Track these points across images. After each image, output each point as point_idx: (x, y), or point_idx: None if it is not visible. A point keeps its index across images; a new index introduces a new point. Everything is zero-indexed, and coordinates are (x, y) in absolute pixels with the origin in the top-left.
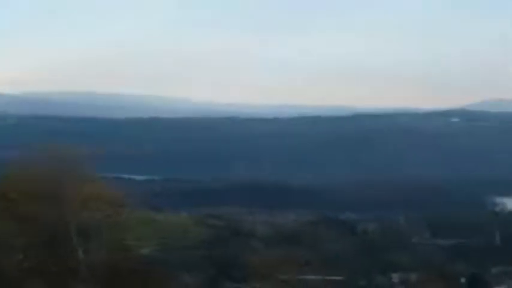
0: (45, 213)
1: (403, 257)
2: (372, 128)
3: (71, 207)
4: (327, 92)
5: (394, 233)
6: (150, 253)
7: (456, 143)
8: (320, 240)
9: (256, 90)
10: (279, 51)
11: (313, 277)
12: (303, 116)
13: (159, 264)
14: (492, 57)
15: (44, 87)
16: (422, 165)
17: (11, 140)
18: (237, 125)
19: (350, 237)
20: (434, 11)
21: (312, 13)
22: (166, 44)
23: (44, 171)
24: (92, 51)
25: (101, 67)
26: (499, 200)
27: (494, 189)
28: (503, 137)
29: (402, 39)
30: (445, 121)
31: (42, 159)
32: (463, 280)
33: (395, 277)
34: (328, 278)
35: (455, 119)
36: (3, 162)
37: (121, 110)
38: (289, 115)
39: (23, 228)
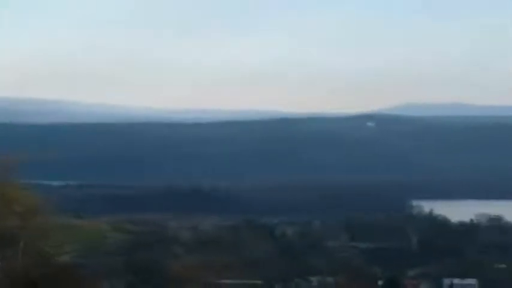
0: None
1: (322, 260)
2: (291, 132)
3: None
4: (247, 97)
5: (313, 237)
6: (70, 259)
7: (372, 147)
8: (240, 244)
9: (173, 94)
10: (197, 55)
11: (233, 281)
12: (223, 121)
13: (78, 271)
14: (406, 61)
15: None
16: (340, 169)
17: None
18: (157, 130)
19: (269, 241)
20: (349, 14)
21: (230, 16)
22: (77, 49)
23: None
24: (9, 56)
25: (16, 72)
26: (415, 203)
27: (411, 193)
28: (418, 141)
29: (321, 44)
30: (361, 125)
31: None
32: (380, 283)
33: (314, 280)
34: (247, 281)
35: (371, 123)
36: None
37: (37, 115)
38: (209, 120)
39: None
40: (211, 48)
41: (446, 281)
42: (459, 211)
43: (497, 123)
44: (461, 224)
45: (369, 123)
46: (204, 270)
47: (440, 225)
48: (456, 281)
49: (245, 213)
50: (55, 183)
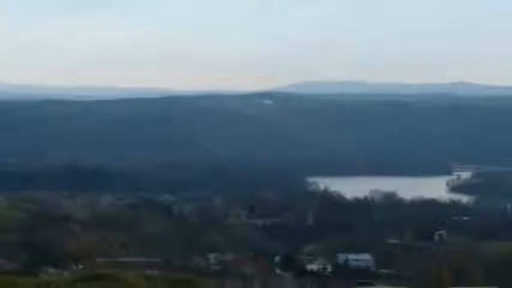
0: None
1: (220, 237)
2: (186, 110)
3: None
4: (142, 75)
5: (211, 214)
6: None
7: (269, 125)
8: (138, 223)
9: (60, 71)
10: (83, 33)
11: (131, 259)
12: (115, 99)
13: None
14: (303, 40)
15: None
16: (236, 147)
17: None
18: (51, 108)
19: (167, 219)
20: None
21: None
22: None
23: None
24: None
25: None
26: (311, 180)
27: (307, 170)
28: (314, 118)
29: (217, 22)
30: (258, 103)
31: None
32: (277, 259)
33: (212, 257)
34: (146, 259)
35: (267, 101)
36: None
37: None
38: (102, 97)
39: None
40: (104, 27)
41: (341, 257)
42: (354, 188)
43: (390, 100)
44: (356, 200)
45: (266, 101)
46: (101, 248)
47: (336, 201)
48: (351, 256)
49: (142, 192)
50: None
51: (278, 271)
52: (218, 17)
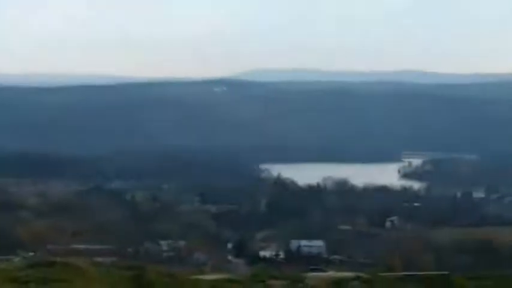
0: None
1: (173, 224)
2: (139, 98)
3: None
4: (92, 62)
5: (164, 201)
6: None
7: (221, 112)
8: (90, 210)
9: (8, 58)
10: (34, 20)
11: (83, 246)
12: (64, 86)
13: None
14: (255, 27)
15: None
16: (189, 134)
17: None
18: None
19: (119, 206)
20: None
21: None
22: None
23: None
24: None
25: None
26: (264, 167)
27: (260, 157)
28: (266, 106)
29: (165, 9)
30: (210, 90)
31: None
32: (229, 245)
33: (164, 244)
34: (98, 246)
35: (220, 88)
36: None
37: None
38: (53, 84)
39: None
40: (56, 13)
41: (294, 243)
42: (306, 174)
43: (342, 88)
44: (309, 187)
45: (217, 89)
46: (53, 235)
47: (288, 188)
48: (304, 242)
49: (93, 178)
50: None
51: (231, 258)
52: (167, 3)
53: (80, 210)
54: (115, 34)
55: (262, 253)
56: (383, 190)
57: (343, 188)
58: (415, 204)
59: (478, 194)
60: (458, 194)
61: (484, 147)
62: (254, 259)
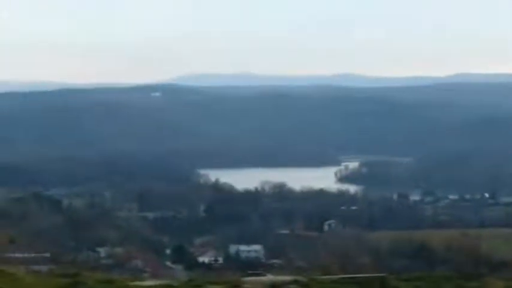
0: None
1: (111, 231)
2: (77, 104)
3: None
4: (31, 67)
5: (102, 207)
6: None
7: (159, 117)
8: (27, 217)
9: None
10: None
11: (19, 254)
12: (7, 92)
13: None
14: (190, 32)
15: None
16: (127, 140)
17: None
18: None
19: (57, 213)
20: None
21: None
22: None
23: None
24: None
25: None
26: (202, 172)
27: (198, 162)
28: (203, 110)
29: (99, 14)
30: (147, 95)
31: None
32: (168, 251)
33: (102, 251)
34: (36, 254)
35: (156, 94)
36: None
37: None
38: None
39: None
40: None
41: (233, 248)
42: (244, 179)
43: (278, 92)
44: (247, 192)
45: (154, 94)
46: None
47: (226, 193)
48: (242, 247)
49: (31, 186)
50: None
51: (169, 264)
52: (100, 8)
53: (16, 217)
54: (54, 38)
55: (200, 258)
56: (320, 194)
57: (281, 192)
58: (352, 207)
59: (414, 197)
60: (395, 197)
61: (419, 150)
62: (193, 264)
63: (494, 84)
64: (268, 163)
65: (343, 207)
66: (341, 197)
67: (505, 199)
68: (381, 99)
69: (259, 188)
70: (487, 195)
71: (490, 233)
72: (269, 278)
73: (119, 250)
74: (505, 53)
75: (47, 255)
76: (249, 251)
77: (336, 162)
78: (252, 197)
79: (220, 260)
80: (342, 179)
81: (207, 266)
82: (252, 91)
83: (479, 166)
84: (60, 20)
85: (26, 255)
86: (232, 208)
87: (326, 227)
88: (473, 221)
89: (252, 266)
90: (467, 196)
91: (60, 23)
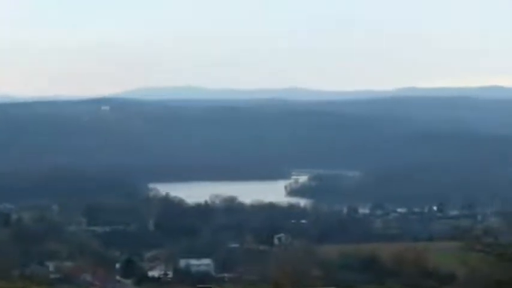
0: None
1: (60, 245)
2: (22, 117)
3: None
4: None
5: (50, 221)
6: None
7: (108, 131)
8: None
9: None
10: None
11: None
12: None
13: None
14: (139, 45)
15: None
16: (75, 154)
17: None
18: None
19: (5, 228)
20: None
21: None
22: None
23: None
24: None
25: None
26: (152, 186)
27: (148, 176)
28: (154, 124)
29: (47, 23)
30: (96, 109)
31: None
32: (118, 266)
33: (51, 265)
34: None
35: (105, 107)
36: None
37: None
38: None
39: None
40: None
41: (183, 262)
42: (195, 193)
43: (227, 106)
44: (197, 206)
45: (104, 107)
46: None
47: (177, 207)
48: (192, 261)
49: None
50: None
51: (119, 278)
52: (47, 17)
53: None
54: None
55: (150, 273)
56: (270, 207)
57: (231, 205)
58: (302, 220)
59: (363, 210)
60: (344, 210)
61: (368, 163)
62: (142, 279)
63: (439, 97)
64: (218, 177)
65: (293, 221)
66: (291, 210)
67: (452, 212)
68: (329, 113)
69: (209, 202)
70: (435, 208)
71: (438, 246)
72: None
73: (67, 264)
74: (450, 67)
75: None
76: (199, 265)
77: (286, 176)
78: (202, 211)
79: (170, 274)
80: (292, 192)
81: (157, 280)
82: (202, 105)
83: (427, 179)
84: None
85: None
86: (183, 222)
87: (276, 241)
88: (422, 234)
89: (202, 280)
90: (416, 209)
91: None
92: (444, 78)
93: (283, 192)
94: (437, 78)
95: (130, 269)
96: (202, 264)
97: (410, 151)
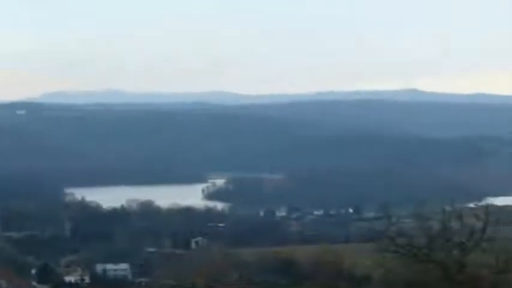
0: None
1: None
2: None
3: None
4: None
5: None
6: None
7: (24, 135)
8: None
9: None
10: None
11: None
12: None
13: None
14: (58, 49)
15: None
16: None
17: None
18: None
19: None
20: None
21: None
22: None
23: None
24: None
25: None
26: (68, 190)
27: (64, 181)
28: (69, 128)
29: None
30: (12, 113)
31: None
32: (34, 271)
33: None
34: None
35: (21, 111)
36: None
37: None
38: None
39: None
40: None
41: (99, 267)
42: (111, 197)
43: (147, 110)
44: (114, 210)
45: (19, 111)
46: None
47: (93, 212)
48: (109, 266)
49: None
50: None
51: (35, 284)
52: None
53: None
54: None
55: (67, 278)
56: (188, 211)
57: (148, 209)
58: (220, 224)
59: (281, 213)
60: (262, 213)
61: (287, 167)
62: (59, 284)
63: (357, 101)
64: (136, 181)
65: (210, 224)
66: (208, 214)
67: (368, 214)
68: (250, 116)
69: (126, 206)
70: (351, 210)
71: (354, 248)
72: None
73: None
74: (368, 70)
75: None
76: (116, 270)
77: (204, 179)
78: (119, 215)
79: (87, 279)
80: (210, 196)
81: (74, 286)
82: (121, 108)
83: (345, 182)
84: None
85: None
86: (99, 226)
87: (193, 244)
88: (338, 236)
89: (119, 285)
90: (332, 212)
91: None
92: (363, 81)
93: (200, 195)
94: (356, 81)
95: (46, 274)
96: (119, 269)
97: (329, 154)
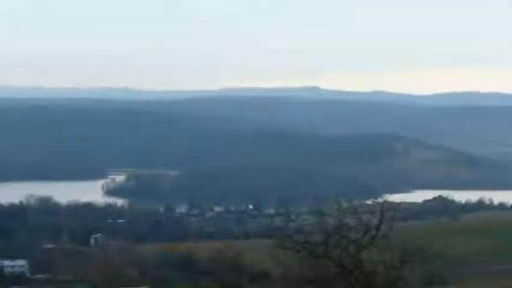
0: None
1: None
2: None
3: None
4: None
5: None
6: None
7: None
8: None
9: None
10: None
11: None
12: None
13: None
14: None
15: None
16: None
17: None
18: None
19: None
20: None
21: None
22: None
23: None
24: None
25: None
26: None
27: None
28: None
29: None
30: None
31: None
32: None
33: None
34: None
35: None
36: None
37: None
38: None
39: None
40: None
41: None
42: (9, 193)
43: (34, 105)
44: (11, 206)
45: None
46: None
47: None
48: (6, 262)
49: None
50: None
51: None
52: None
53: None
54: None
55: None
56: (87, 207)
57: (47, 205)
58: (119, 220)
59: (180, 210)
60: (161, 210)
61: (188, 163)
62: None
63: (260, 97)
64: (34, 176)
65: (110, 220)
66: (108, 210)
67: (268, 210)
68: (153, 112)
69: (24, 202)
70: (251, 206)
71: (253, 244)
72: None
73: None
74: (272, 67)
75: None
76: (13, 266)
77: (104, 175)
78: (16, 211)
79: None
80: (109, 192)
81: None
82: (10, 103)
83: (245, 178)
84: None
85: None
86: None
87: (92, 241)
88: (238, 232)
89: (16, 282)
90: (232, 208)
91: None
92: (266, 79)
93: (100, 192)
94: (261, 78)
95: None
96: (17, 265)
97: (231, 151)
